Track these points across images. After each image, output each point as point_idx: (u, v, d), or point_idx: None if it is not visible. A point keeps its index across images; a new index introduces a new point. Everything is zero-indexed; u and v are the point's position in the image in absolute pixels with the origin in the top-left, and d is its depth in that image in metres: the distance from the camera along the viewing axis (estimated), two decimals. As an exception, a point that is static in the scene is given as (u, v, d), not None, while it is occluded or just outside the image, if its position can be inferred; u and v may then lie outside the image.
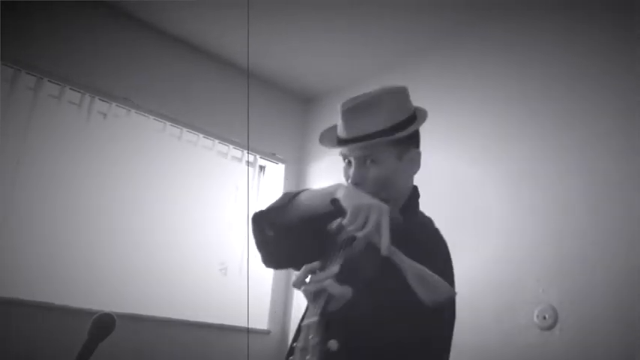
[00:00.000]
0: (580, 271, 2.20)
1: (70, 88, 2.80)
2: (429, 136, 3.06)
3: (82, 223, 2.74)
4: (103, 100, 2.91)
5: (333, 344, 0.87)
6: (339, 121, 1.26)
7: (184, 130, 3.22)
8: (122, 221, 2.89)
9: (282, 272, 3.38)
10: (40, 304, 2.49)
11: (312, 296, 0.97)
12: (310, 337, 0.87)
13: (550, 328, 2.22)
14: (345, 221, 1.02)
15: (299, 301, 3.33)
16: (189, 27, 3.17)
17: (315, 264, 1.04)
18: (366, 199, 1.04)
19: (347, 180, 1.25)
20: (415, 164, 1.29)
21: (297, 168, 3.72)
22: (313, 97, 3.84)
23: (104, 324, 1.17)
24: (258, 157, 3.58)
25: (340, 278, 0.97)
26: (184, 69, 3.31)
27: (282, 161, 3.69)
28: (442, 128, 2.91)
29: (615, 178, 2.20)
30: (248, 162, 3.57)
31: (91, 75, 2.88)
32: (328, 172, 3.52)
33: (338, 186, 1.13)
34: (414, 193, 1.31)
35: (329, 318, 0.91)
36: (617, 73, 2.30)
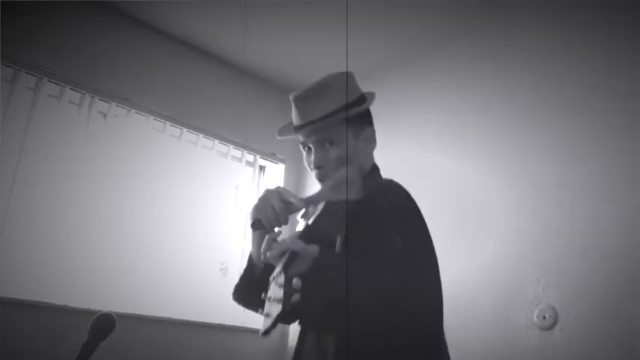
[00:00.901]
0: (580, 271, 2.20)
1: (70, 88, 2.80)
2: (429, 136, 3.08)
3: (82, 223, 2.74)
4: (103, 100, 2.91)
5: (296, 282, 0.92)
6: (292, 112, 1.30)
7: (184, 130, 3.22)
8: (122, 221, 2.89)
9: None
10: (40, 304, 2.49)
11: (278, 257, 1.00)
12: (276, 285, 0.93)
13: (550, 328, 2.22)
14: (264, 223, 1.10)
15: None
16: (189, 27, 3.17)
17: (278, 231, 1.11)
18: (260, 195, 1.13)
19: (309, 167, 1.29)
20: (372, 142, 1.33)
21: (297, 168, 3.72)
22: (313, 97, 3.83)
23: (104, 324, 1.17)
24: (258, 157, 3.58)
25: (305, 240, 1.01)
26: (184, 69, 3.30)
27: (282, 161, 3.68)
28: (442, 128, 2.91)
29: (615, 178, 2.20)
30: (243, 158, 3.57)
31: (91, 75, 2.88)
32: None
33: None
34: (373, 167, 1.35)
35: (292, 274, 0.94)
36: (618, 73, 2.30)
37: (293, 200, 1.09)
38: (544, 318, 2.24)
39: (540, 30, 2.64)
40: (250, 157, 3.56)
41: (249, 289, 1.25)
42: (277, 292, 0.92)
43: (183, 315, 2.99)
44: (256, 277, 1.23)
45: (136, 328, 2.72)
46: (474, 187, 2.69)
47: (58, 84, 2.77)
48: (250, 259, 1.28)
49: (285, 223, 1.10)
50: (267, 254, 1.04)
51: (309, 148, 1.29)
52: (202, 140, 3.30)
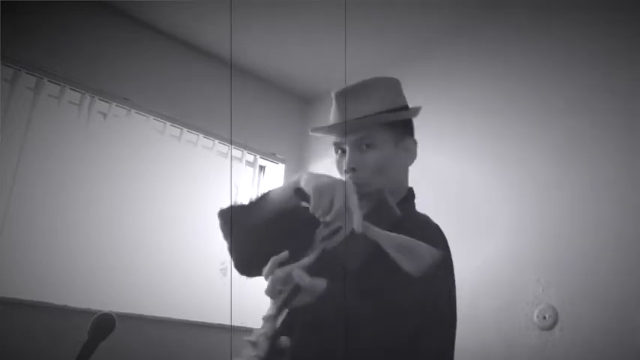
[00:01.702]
0: (580, 271, 2.20)
1: (70, 88, 2.80)
2: (429, 136, 3.07)
3: (82, 223, 2.74)
4: (103, 100, 2.91)
5: (284, 340, 0.80)
6: (332, 110, 1.21)
7: (184, 130, 3.22)
8: (122, 221, 2.89)
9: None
10: (40, 304, 2.49)
11: (277, 288, 0.88)
12: (262, 331, 0.83)
13: (550, 328, 2.22)
14: (310, 207, 0.94)
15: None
16: (189, 27, 3.17)
17: (284, 254, 0.93)
18: (328, 179, 0.95)
19: (340, 171, 1.18)
20: (411, 154, 1.23)
21: (297, 168, 3.72)
22: (313, 97, 3.84)
23: (104, 324, 1.17)
24: (258, 157, 3.58)
25: (315, 270, 0.87)
26: (184, 69, 3.30)
27: (282, 161, 3.68)
28: (443, 128, 2.91)
29: (615, 178, 2.20)
30: (243, 158, 3.58)
31: (91, 75, 2.88)
32: (328, 172, 3.51)
33: (301, 174, 1.04)
34: (410, 193, 1.24)
35: (290, 311, 0.84)
36: (618, 73, 2.30)
37: (355, 213, 0.89)
38: (544, 318, 2.24)
39: (540, 30, 2.64)
40: (250, 157, 3.56)
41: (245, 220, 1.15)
42: (267, 329, 0.83)
43: (184, 315, 2.99)
44: (251, 221, 1.13)
45: (136, 328, 2.71)
46: (474, 187, 2.69)
47: (58, 84, 2.77)
48: (264, 199, 1.16)
49: (330, 220, 0.93)
50: (267, 284, 0.91)
51: (343, 151, 1.18)
52: (202, 140, 3.30)
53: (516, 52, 2.71)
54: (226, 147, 3.42)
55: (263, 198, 1.17)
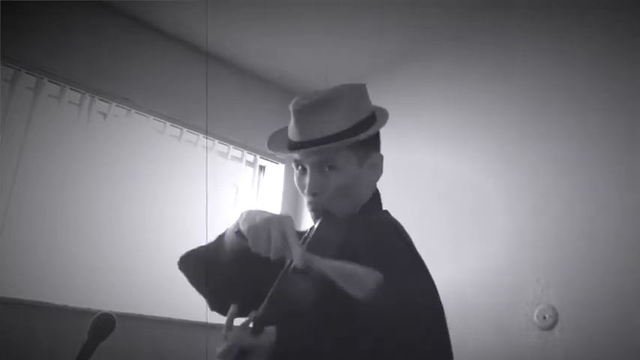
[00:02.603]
0: (580, 271, 2.20)
1: (70, 88, 2.80)
2: (429, 136, 3.07)
3: (82, 223, 2.74)
4: (103, 100, 2.91)
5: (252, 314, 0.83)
6: (290, 123, 1.13)
7: (184, 130, 3.22)
8: (122, 221, 2.89)
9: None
10: (40, 304, 2.49)
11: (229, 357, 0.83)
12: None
13: (550, 328, 2.22)
14: (251, 248, 0.92)
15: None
16: (189, 27, 3.17)
17: (233, 309, 0.91)
18: (262, 217, 0.92)
19: (301, 190, 1.13)
20: (377, 170, 1.16)
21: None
22: (313, 97, 3.83)
23: (104, 324, 1.17)
24: (258, 157, 3.58)
25: (268, 315, 0.87)
26: (184, 69, 3.30)
27: (282, 161, 3.68)
28: (442, 129, 2.91)
29: (615, 178, 2.20)
30: (243, 158, 3.57)
31: (91, 75, 2.88)
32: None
33: (241, 214, 1.00)
34: (374, 197, 1.17)
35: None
36: (618, 73, 2.30)
37: (293, 248, 0.87)
38: (544, 318, 2.24)
39: (540, 30, 2.64)
40: (250, 157, 3.56)
41: (201, 263, 1.16)
42: None
43: (184, 315, 2.99)
44: (215, 258, 1.12)
45: (136, 328, 2.72)
46: (473, 187, 2.69)
47: (58, 84, 2.77)
48: (219, 239, 1.16)
49: (273, 258, 0.90)
50: (217, 355, 0.86)
51: (304, 168, 1.12)
52: (202, 140, 3.30)
53: (517, 52, 2.71)
54: (226, 147, 3.42)
55: (219, 240, 1.17)
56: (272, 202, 3.60)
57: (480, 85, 2.82)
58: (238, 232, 0.99)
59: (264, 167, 3.73)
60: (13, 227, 2.54)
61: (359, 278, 0.83)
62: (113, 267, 2.80)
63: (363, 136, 1.08)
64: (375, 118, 1.16)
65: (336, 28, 3.05)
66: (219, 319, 3.33)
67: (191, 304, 3.10)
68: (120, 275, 2.82)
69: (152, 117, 3.08)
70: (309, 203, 1.11)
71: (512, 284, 2.38)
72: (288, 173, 3.70)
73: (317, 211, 1.10)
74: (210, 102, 3.39)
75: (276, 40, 3.21)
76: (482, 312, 2.43)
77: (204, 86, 3.39)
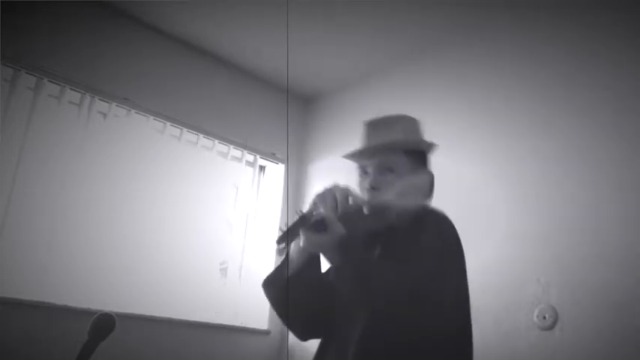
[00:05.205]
0: (580, 271, 2.20)
1: (70, 88, 2.80)
2: (428, 135, 3.06)
3: (82, 223, 2.74)
4: (103, 100, 2.91)
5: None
6: (360, 138, 1.36)
7: (184, 130, 3.22)
8: (122, 221, 2.89)
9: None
10: (40, 304, 2.49)
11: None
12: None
13: (550, 328, 2.22)
14: (316, 206, 1.18)
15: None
16: (189, 27, 3.17)
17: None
18: (325, 187, 1.21)
19: (362, 190, 1.32)
20: (428, 185, 1.37)
21: (297, 168, 3.72)
22: (313, 97, 3.84)
23: (104, 324, 1.17)
24: (258, 157, 3.58)
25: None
26: (184, 69, 3.30)
27: (282, 161, 3.68)
28: (442, 128, 2.91)
29: (616, 178, 2.20)
30: (243, 158, 3.57)
31: (91, 75, 2.88)
32: (328, 172, 3.52)
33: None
34: (423, 210, 1.36)
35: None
36: (620, 72, 2.30)
37: (357, 198, 1.20)
38: (544, 318, 2.24)
39: (542, 30, 2.64)
40: (250, 157, 3.56)
41: (280, 285, 1.30)
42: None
43: (184, 315, 2.99)
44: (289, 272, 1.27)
45: (136, 328, 2.72)
46: (474, 187, 2.68)
47: (58, 84, 2.77)
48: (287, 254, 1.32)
49: (340, 212, 1.17)
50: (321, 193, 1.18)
51: (365, 173, 1.33)
52: (202, 140, 3.30)
53: (518, 52, 2.71)
54: (226, 147, 3.42)
55: (288, 259, 1.31)
56: (272, 202, 3.60)
57: (482, 85, 2.82)
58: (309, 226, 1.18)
59: (264, 167, 3.72)
60: (13, 227, 2.54)
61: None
62: (113, 267, 2.80)
63: (419, 145, 1.35)
64: (426, 144, 1.41)
65: (336, 28, 3.04)
66: (218, 319, 3.34)
67: (191, 304, 3.10)
68: (120, 275, 2.82)
69: (152, 117, 3.08)
70: (368, 198, 1.30)
71: (512, 284, 2.38)
72: (288, 173, 3.70)
73: (374, 205, 1.28)
74: (210, 102, 3.39)
75: (276, 40, 3.20)
76: (483, 312, 2.42)
77: (204, 86, 3.39)
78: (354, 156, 1.36)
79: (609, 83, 2.32)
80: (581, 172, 2.31)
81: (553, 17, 2.61)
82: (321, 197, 1.19)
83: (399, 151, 1.30)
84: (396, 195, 1.21)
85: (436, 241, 1.21)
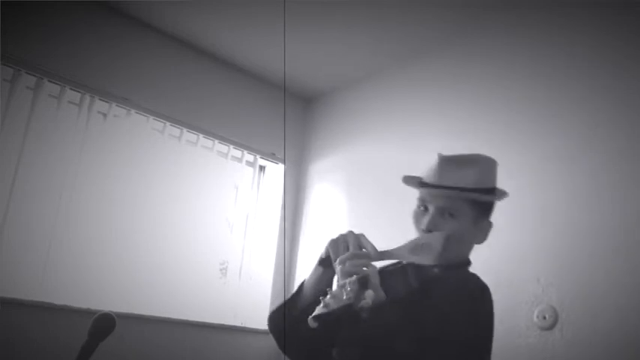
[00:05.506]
0: (580, 270, 2.20)
1: (70, 88, 2.80)
2: (429, 135, 3.07)
3: (82, 223, 2.75)
4: (103, 100, 2.91)
5: (366, 302, 0.95)
6: (429, 168, 1.28)
7: (184, 130, 3.22)
8: (122, 221, 2.89)
9: (281, 272, 3.39)
10: (40, 304, 2.49)
11: (348, 274, 1.02)
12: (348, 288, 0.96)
13: (550, 328, 2.22)
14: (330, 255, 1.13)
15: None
16: (189, 27, 3.17)
17: (363, 251, 1.11)
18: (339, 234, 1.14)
19: (415, 224, 1.27)
20: (484, 234, 1.33)
21: (297, 168, 3.72)
22: (313, 97, 3.84)
23: (104, 324, 1.17)
24: (258, 157, 3.58)
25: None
26: (184, 69, 3.31)
27: (282, 161, 3.68)
28: (442, 128, 2.91)
29: (616, 177, 2.20)
30: (243, 158, 3.56)
31: (91, 75, 2.88)
32: (328, 173, 3.52)
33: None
34: (467, 261, 1.36)
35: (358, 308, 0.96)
36: (621, 73, 2.30)
37: (369, 248, 1.11)
38: (544, 318, 2.24)
39: (543, 30, 2.64)
40: (250, 157, 3.56)
41: (287, 319, 1.24)
42: (345, 290, 0.94)
43: (183, 315, 2.99)
44: (298, 309, 1.21)
45: (136, 328, 2.72)
46: (473, 187, 2.68)
47: (58, 84, 2.77)
48: (300, 289, 1.25)
49: (352, 252, 1.11)
50: (340, 267, 1.05)
51: (425, 208, 1.26)
52: (202, 140, 3.30)
53: (518, 52, 2.71)
54: (226, 147, 3.42)
55: (300, 289, 1.26)
56: (272, 202, 3.60)
57: (482, 85, 2.82)
58: (323, 261, 1.17)
59: (264, 167, 3.72)
60: (13, 227, 2.54)
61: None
62: (113, 267, 2.80)
63: (487, 197, 1.27)
64: (495, 190, 1.33)
65: (336, 28, 3.04)
66: (218, 319, 3.35)
67: (191, 304, 3.10)
68: (120, 275, 2.82)
69: (152, 117, 3.08)
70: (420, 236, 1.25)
71: (512, 284, 2.38)
72: (288, 173, 3.70)
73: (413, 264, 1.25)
74: (210, 102, 3.39)
75: (277, 40, 3.20)
76: (482, 312, 2.42)
77: (204, 86, 3.39)
78: (415, 183, 1.29)
79: (612, 83, 2.31)
80: (583, 171, 2.31)
81: (556, 16, 2.61)
82: (334, 244, 1.14)
83: (466, 198, 1.23)
84: (410, 250, 1.13)
85: (471, 315, 1.19)
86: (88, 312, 2.42)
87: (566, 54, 2.50)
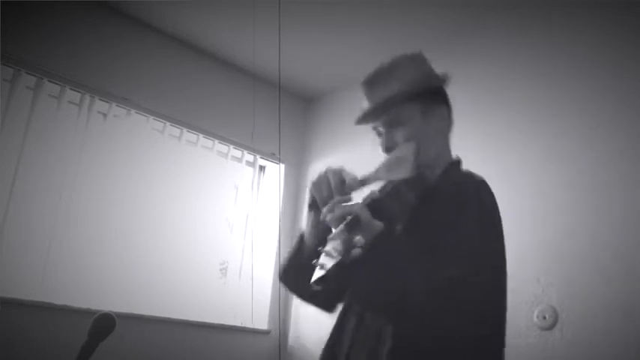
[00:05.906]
0: (580, 271, 2.20)
1: (70, 88, 2.80)
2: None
3: (82, 223, 2.74)
4: (103, 100, 2.91)
5: (357, 251, 0.93)
6: (364, 99, 1.27)
7: (184, 130, 3.22)
8: (122, 221, 2.89)
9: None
10: (40, 304, 2.49)
11: (339, 220, 1.00)
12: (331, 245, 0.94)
13: (550, 328, 2.22)
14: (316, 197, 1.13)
15: (299, 301, 3.33)
16: (189, 27, 3.17)
17: (344, 198, 1.10)
18: (319, 173, 1.15)
19: (383, 152, 1.25)
20: (444, 120, 1.29)
21: (297, 168, 3.72)
22: (313, 97, 3.84)
23: (104, 324, 1.17)
24: (258, 157, 3.58)
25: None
26: (184, 69, 3.30)
27: (282, 161, 3.68)
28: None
29: (615, 178, 2.20)
30: (243, 158, 3.56)
31: (91, 75, 2.88)
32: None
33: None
34: (456, 162, 1.34)
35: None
36: (622, 73, 2.30)
37: (349, 179, 1.11)
38: (544, 318, 2.24)
39: (543, 30, 2.64)
40: (250, 157, 3.56)
41: (297, 272, 1.19)
42: (336, 245, 0.93)
43: (183, 315, 2.99)
44: (304, 259, 1.16)
45: (136, 328, 2.72)
46: (474, 187, 2.68)
47: (58, 84, 2.77)
48: (301, 240, 1.25)
49: (335, 193, 1.11)
50: (328, 217, 1.03)
51: (379, 133, 1.26)
52: (202, 140, 3.30)
53: (519, 52, 2.71)
54: (226, 147, 3.42)
55: (301, 237, 1.26)
56: (272, 202, 3.60)
57: (480, 86, 2.82)
58: (310, 205, 1.17)
59: (264, 167, 3.72)
60: (13, 227, 2.54)
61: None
62: (113, 267, 2.80)
63: (418, 89, 1.21)
64: (438, 79, 1.28)
65: (336, 28, 3.04)
66: (218, 319, 3.34)
67: (191, 304, 3.10)
68: (120, 275, 2.82)
69: (152, 117, 3.08)
70: (370, 176, 1.22)
71: (512, 284, 2.37)
72: (288, 173, 3.70)
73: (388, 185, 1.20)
74: (210, 102, 3.39)
75: (276, 40, 3.20)
76: (483, 312, 2.42)
77: (204, 86, 3.39)
78: (363, 120, 1.27)
79: (613, 83, 2.31)
80: (583, 171, 2.30)
81: (556, 16, 2.60)
82: (317, 187, 1.13)
83: (402, 101, 1.19)
84: (385, 169, 1.12)
85: (474, 213, 1.17)
86: (88, 312, 2.42)
87: (566, 54, 2.50)
